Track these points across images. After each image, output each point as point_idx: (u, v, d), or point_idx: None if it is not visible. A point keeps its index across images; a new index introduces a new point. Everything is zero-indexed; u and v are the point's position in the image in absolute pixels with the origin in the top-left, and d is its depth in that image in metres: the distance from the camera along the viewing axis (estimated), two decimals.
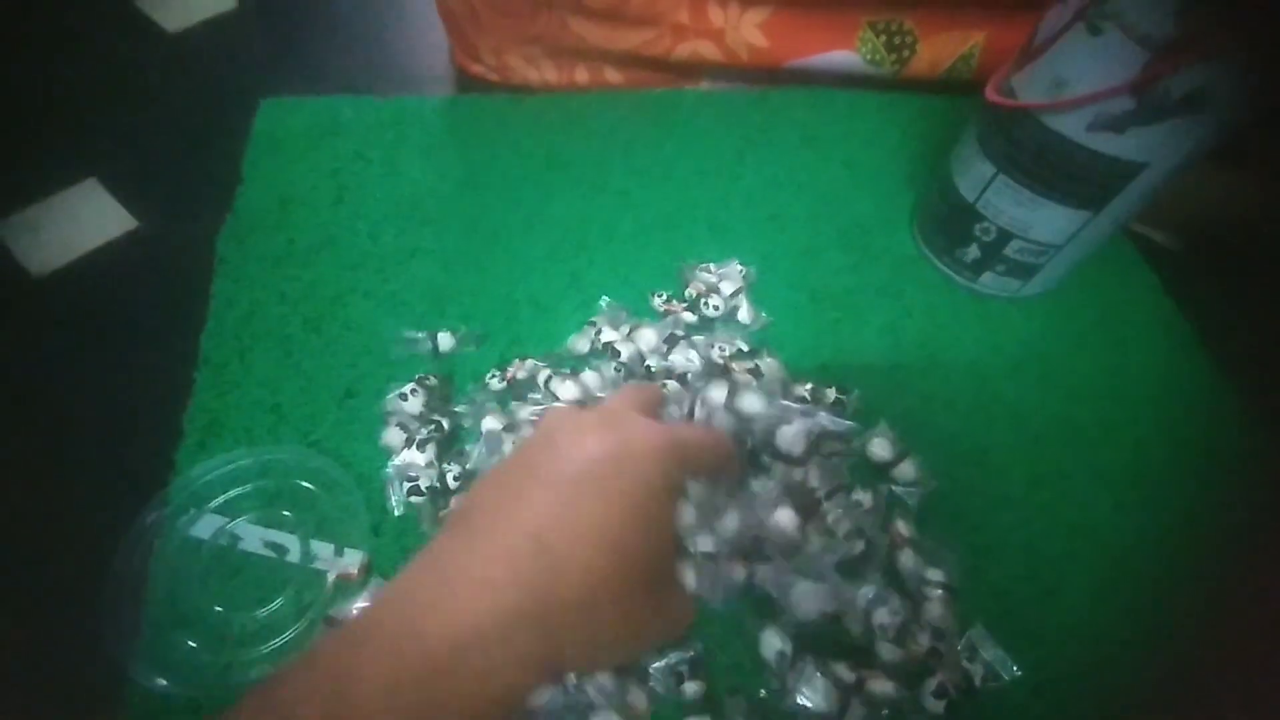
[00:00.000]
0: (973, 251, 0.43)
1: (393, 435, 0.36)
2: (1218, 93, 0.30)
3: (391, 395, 0.37)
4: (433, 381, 0.38)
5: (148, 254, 0.46)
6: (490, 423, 0.36)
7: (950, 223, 0.44)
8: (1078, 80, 0.33)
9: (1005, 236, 0.41)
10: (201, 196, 0.47)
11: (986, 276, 0.44)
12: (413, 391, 0.37)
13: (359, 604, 0.30)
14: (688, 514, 0.26)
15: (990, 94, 0.38)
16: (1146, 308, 0.47)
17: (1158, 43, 0.29)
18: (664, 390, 0.35)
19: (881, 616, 0.31)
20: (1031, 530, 0.38)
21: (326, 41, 0.60)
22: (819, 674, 0.30)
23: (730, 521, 0.28)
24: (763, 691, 0.31)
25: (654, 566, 0.24)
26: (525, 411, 0.36)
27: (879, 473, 0.37)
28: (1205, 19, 0.28)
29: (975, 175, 0.40)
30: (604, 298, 0.43)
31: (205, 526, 0.34)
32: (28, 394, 0.39)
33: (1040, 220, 0.39)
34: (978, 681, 0.32)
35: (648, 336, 0.40)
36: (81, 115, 0.53)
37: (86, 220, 0.47)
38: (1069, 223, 0.38)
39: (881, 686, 0.30)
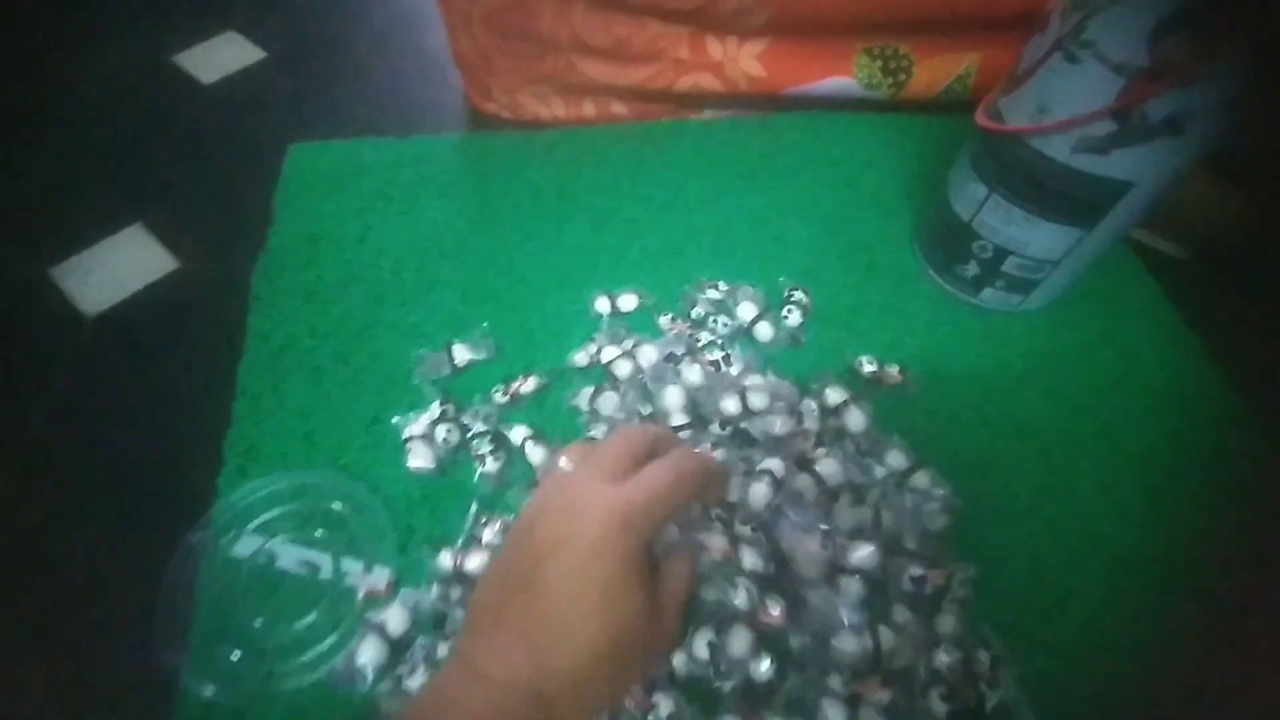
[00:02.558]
0: (972, 268, 0.44)
1: (416, 456, 0.38)
2: (1196, 114, 0.31)
3: (404, 417, 0.40)
4: (447, 405, 0.40)
5: (189, 292, 0.49)
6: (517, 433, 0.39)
7: (948, 241, 0.45)
8: (1060, 105, 0.34)
9: (1002, 254, 0.42)
10: (237, 237, 0.51)
11: (987, 292, 0.45)
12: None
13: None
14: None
15: (980, 118, 0.40)
16: (1150, 318, 0.48)
17: (1132, 70, 0.30)
18: (657, 431, 0.34)
19: (887, 637, 0.32)
20: (1039, 541, 0.38)
21: (349, 88, 0.63)
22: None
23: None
24: None
25: (631, 628, 0.26)
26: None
27: (898, 484, 0.38)
28: (1177, 47, 0.29)
29: (970, 195, 0.42)
30: (604, 316, 0.45)
31: (245, 546, 0.36)
32: (82, 425, 0.43)
33: (1035, 238, 0.40)
34: (988, 708, 0.32)
35: (649, 353, 0.41)
36: (127, 165, 0.57)
37: (132, 263, 0.50)
38: (1063, 240, 0.39)
39: (879, 695, 0.31)
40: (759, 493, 0.34)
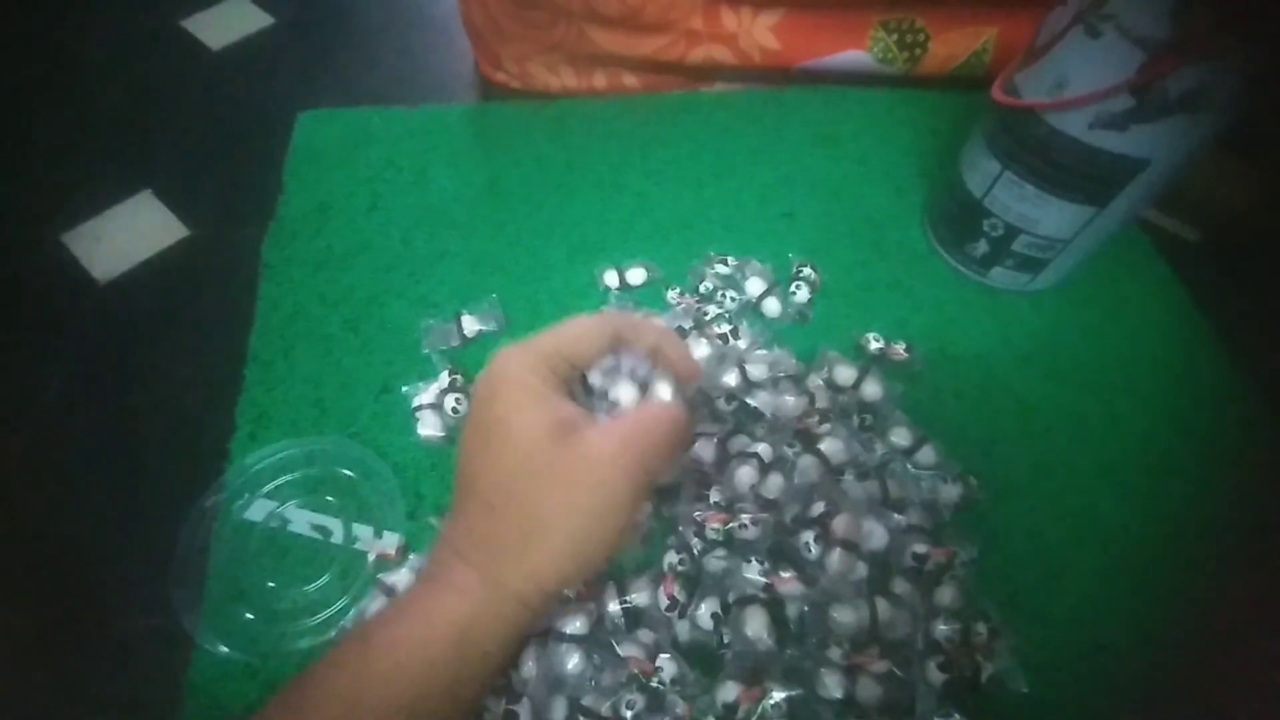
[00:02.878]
0: (982, 246, 0.44)
1: (426, 425, 0.39)
2: (1216, 91, 0.31)
3: (414, 386, 0.40)
4: (456, 374, 0.41)
5: (199, 260, 0.49)
6: None
7: (959, 218, 0.45)
8: (1079, 80, 0.33)
9: (1013, 232, 0.42)
10: (247, 205, 0.51)
11: (996, 271, 0.45)
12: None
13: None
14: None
15: (996, 93, 0.39)
16: (1159, 300, 0.48)
17: (1154, 44, 0.30)
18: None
19: (884, 608, 0.33)
20: (1037, 517, 0.39)
21: (359, 55, 0.63)
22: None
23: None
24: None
25: (535, 439, 0.26)
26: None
27: (901, 459, 0.38)
28: (1200, 21, 0.28)
29: (982, 172, 0.41)
30: (611, 291, 0.45)
31: (258, 510, 0.37)
32: (96, 390, 0.43)
33: (1047, 216, 0.40)
34: (983, 678, 0.32)
35: None
36: (136, 131, 0.57)
37: (143, 230, 0.50)
38: (1075, 218, 0.39)
39: (876, 666, 0.31)
40: (745, 475, 0.35)
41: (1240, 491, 0.40)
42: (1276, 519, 0.39)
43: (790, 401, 0.38)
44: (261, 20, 0.65)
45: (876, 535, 0.33)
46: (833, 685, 0.31)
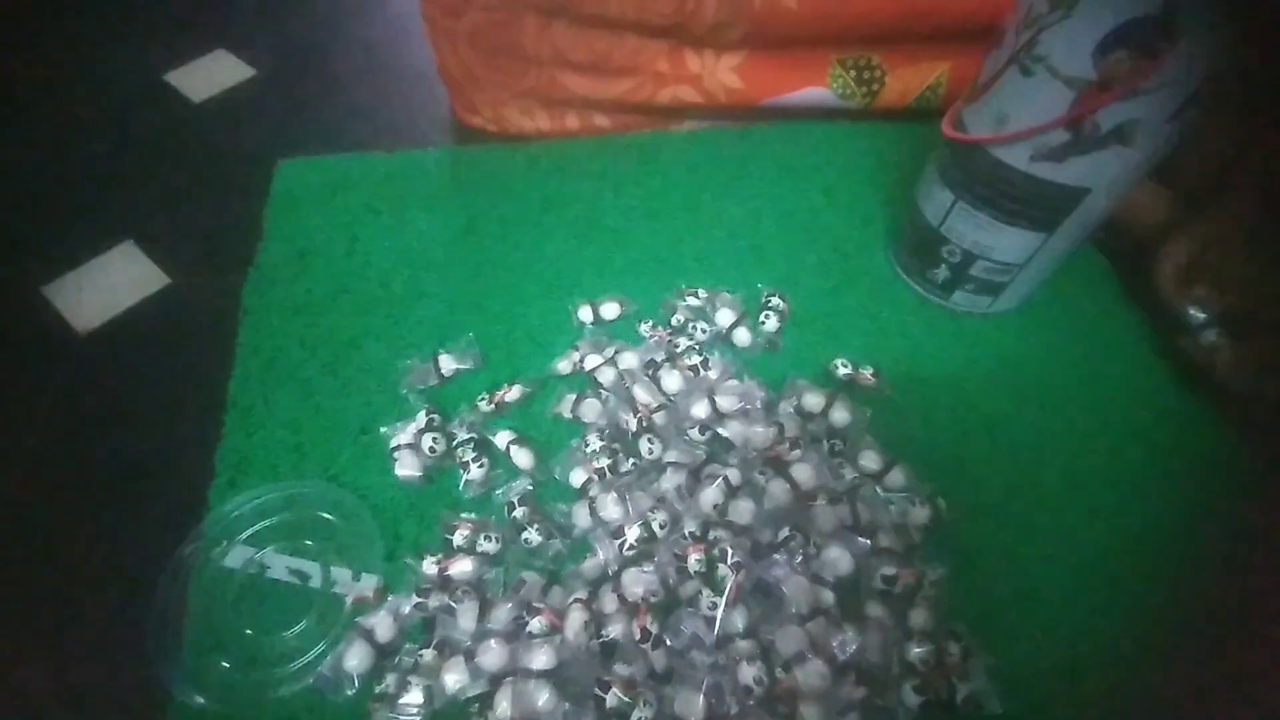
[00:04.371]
0: (942, 272, 0.46)
1: (403, 465, 0.39)
2: (1143, 124, 0.33)
3: (392, 427, 0.41)
4: (433, 415, 0.41)
5: (180, 308, 0.50)
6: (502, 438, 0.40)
7: (920, 246, 0.46)
8: (1017, 116, 0.35)
9: (970, 258, 0.43)
10: (227, 253, 0.52)
11: (958, 295, 0.46)
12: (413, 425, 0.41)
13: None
14: None
15: (945, 128, 0.41)
16: (1116, 316, 0.49)
17: (1081, 83, 0.32)
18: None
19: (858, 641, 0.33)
20: (1008, 537, 0.39)
21: (337, 103, 0.64)
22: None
23: None
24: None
25: None
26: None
27: (871, 482, 0.39)
28: (1120, 62, 0.30)
29: (937, 202, 0.43)
30: (586, 326, 0.46)
31: (236, 557, 0.37)
32: (75, 441, 0.43)
33: (1000, 242, 0.41)
34: (959, 699, 0.33)
35: (629, 359, 0.43)
36: (118, 183, 0.58)
37: (124, 280, 0.51)
38: (1027, 243, 0.41)
39: (855, 695, 0.32)
40: (709, 497, 0.35)
41: (1202, 504, 0.41)
42: (1237, 530, 0.40)
43: (760, 431, 0.39)
44: (242, 72, 0.67)
45: (844, 562, 0.34)
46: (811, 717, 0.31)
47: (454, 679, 0.32)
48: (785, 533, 0.35)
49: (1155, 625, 0.37)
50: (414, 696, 0.32)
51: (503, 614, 0.34)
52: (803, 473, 0.37)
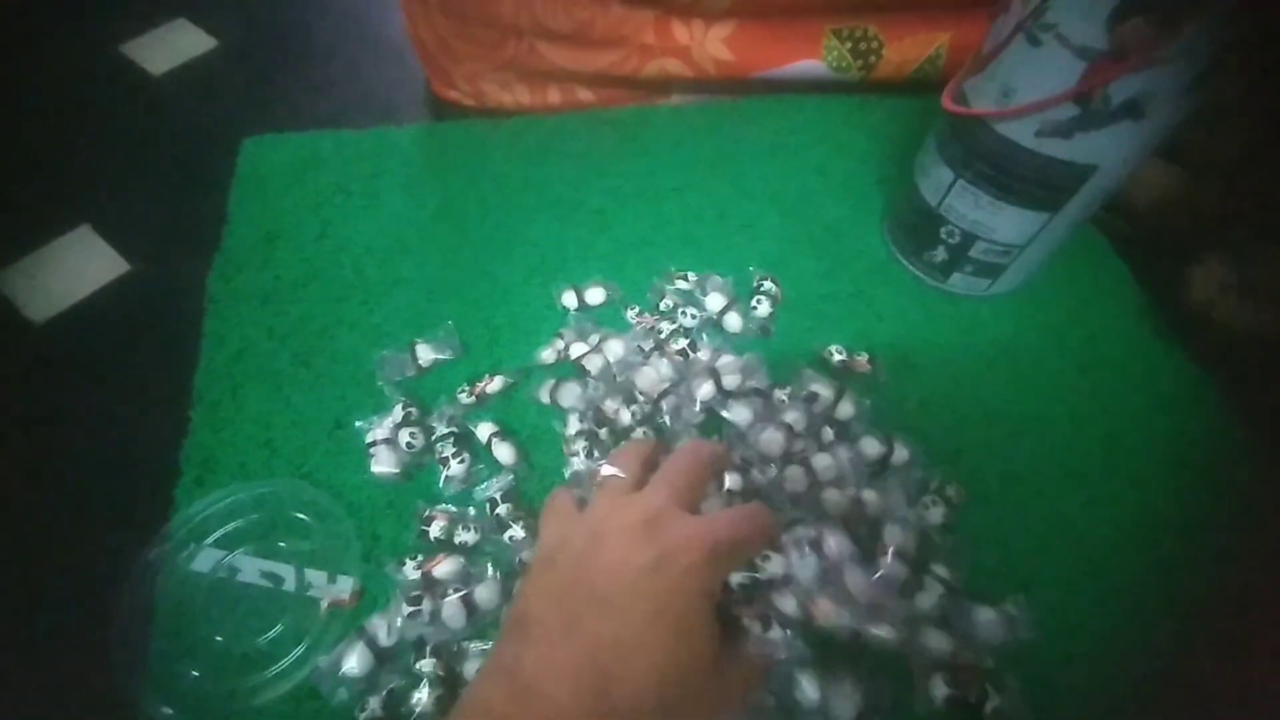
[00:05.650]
0: (940, 254, 0.44)
1: (380, 461, 0.38)
2: (1158, 97, 0.31)
3: (367, 421, 0.39)
4: (410, 408, 0.39)
5: (141, 296, 0.47)
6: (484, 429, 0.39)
7: (917, 226, 0.45)
8: (1023, 89, 0.33)
9: (969, 239, 0.42)
10: (190, 237, 0.49)
11: (955, 277, 0.45)
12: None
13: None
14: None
15: (946, 102, 0.39)
16: (1117, 300, 0.48)
17: (1093, 53, 0.30)
18: (719, 450, 0.34)
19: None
20: (1005, 527, 0.38)
21: (306, 77, 0.61)
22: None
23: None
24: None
25: (699, 666, 0.25)
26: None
27: (875, 470, 0.38)
28: (1136, 30, 0.28)
29: (936, 180, 0.41)
30: (570, 312, 0.44)
31: (205, 560, 0.35)
32: (33, 438, 0.41)
33: (1001, 222, 0.40)
34: (987, 708, 0.32)
35: (616, 348, 0.41)
36: (74, 163, 0.55)
37: (81, 266, 0.48)
38: (1029, 224, 0.39)
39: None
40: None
41: (1204, 489, 0.40)
42: (1241, 514, 0.39)
43: (769, 437, 0.37)
44: (205, 43, 0.63)
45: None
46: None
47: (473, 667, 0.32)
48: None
49: (1155, 617, 0.36)
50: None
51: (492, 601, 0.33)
52: (821, 461, 0.36)
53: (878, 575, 0.31)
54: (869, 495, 0.36)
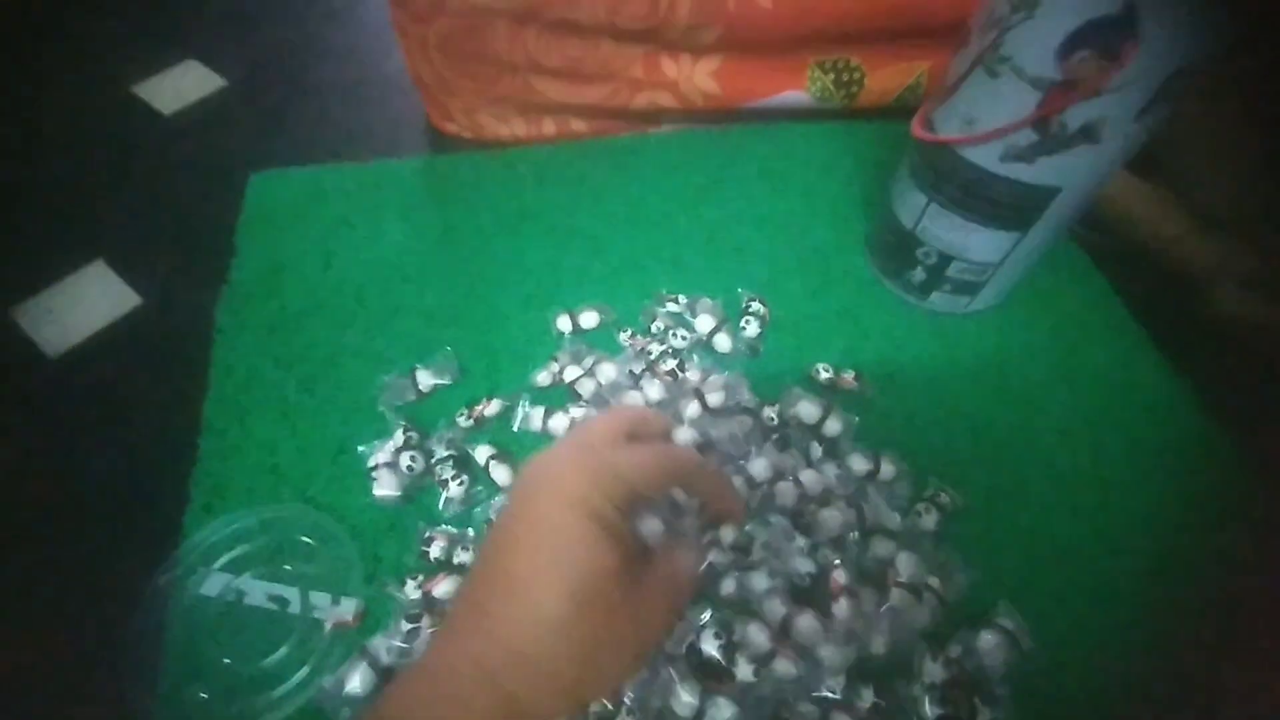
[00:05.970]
0: (919, 274, 0.46)
1: (382, 484, 0.39)
2: (1110, 123, 0.32)
3: (369, 446, 0.40)
4: (411, 432, 0.41)
5: (153, 328, 0.49)
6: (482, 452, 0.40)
7: (895, 248, 0.46)
8: (985, 117, 0.35)
9: (946, 259, 0.43)
10: (200, 270, 0.51)
11: (935, 296, 0.46)
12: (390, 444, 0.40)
13: None
14: (648, 524, 0.28)
15: (915, 129, 0.41)
16: (1098, 313, 0.49)
17: (1046, 83, 0.32)
18: (648, 412, 0.34)
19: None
20: (992, 539, 0.39)
21: (310, 113, 0.64)
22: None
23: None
24: None
25: (597, 587, 0.24)
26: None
27: (862, 484, 0.39)
28: (1083, 61, 0.30)
29: (911, 204, 0.43)
30: (565, 336, 0.46)
31: (213, 584, 0.37)
32: (48, 468, 0.43)
33: (975, 243, 0.41)
34: None
35: (608, 371, 0.42)
36: (87, 201, 0.57)
37: (95, 301, 0.50)
38: (1001, 243, 0.41)
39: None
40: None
41: (1189, 497, 0.41)
42: (1226, 520, 0.40)
43: (759, 464, 0.38)
44: (213, 83, 0.66)
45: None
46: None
47: None
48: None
49: (1140, 626, 0.37)
50: None
51: None
52: (810, 476, 0.37)
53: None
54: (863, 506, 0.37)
